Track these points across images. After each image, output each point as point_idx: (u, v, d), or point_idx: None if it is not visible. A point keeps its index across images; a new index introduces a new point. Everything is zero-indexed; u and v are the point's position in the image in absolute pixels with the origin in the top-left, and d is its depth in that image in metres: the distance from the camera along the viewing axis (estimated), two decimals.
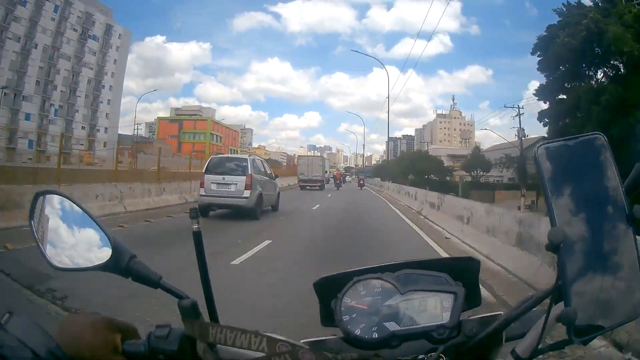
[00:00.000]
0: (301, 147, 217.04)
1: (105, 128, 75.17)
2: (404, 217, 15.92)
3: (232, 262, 6.95)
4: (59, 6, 65.35)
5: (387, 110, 41.58)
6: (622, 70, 27.59)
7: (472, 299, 0.88)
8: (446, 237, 10.30)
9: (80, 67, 70.90)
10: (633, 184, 0.68)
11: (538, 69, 31.46)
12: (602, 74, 29.41)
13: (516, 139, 45.47)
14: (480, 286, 0.97)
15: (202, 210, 12.92)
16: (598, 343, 3.46)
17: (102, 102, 75.71)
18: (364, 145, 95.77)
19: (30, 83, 62.63)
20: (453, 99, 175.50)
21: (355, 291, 0.84)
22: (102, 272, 0.72)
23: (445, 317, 0.81)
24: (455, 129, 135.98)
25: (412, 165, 55.21)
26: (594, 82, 29.31)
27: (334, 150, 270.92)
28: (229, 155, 16.80)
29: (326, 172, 47.99)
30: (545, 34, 30.61)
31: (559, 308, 0.60)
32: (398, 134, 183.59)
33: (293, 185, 40.01)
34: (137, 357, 0.69)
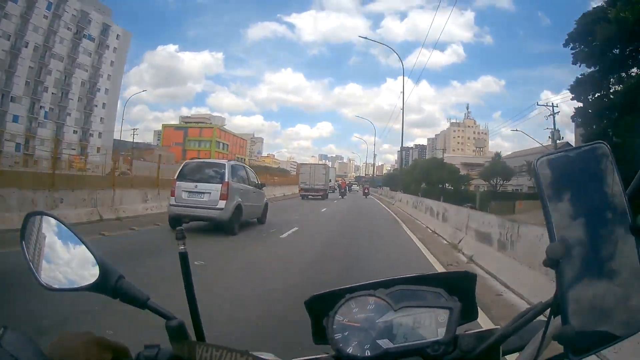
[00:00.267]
0: (312, 156, 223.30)
1: (100, 133, 72.29)
2: (432, 259, 8.89)
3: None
4: (52, 3, 62.97)
5: (402, 106, 37.69)
6: None
7: (468, 313, 0.88)
8: None
9: (74, 68, 68.48)
10: (635, 190, 0.67)
11: (573, 62, 27.04)
12: None
13: (548, 142, 42.07)
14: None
15: (173, 222, 11.43)
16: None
17: (96, 105, 73.00)
18: (374, 154, 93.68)
19: (20, 84, 60.34)
20: (467, 107, 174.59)
21: (347, 308, 0.84)
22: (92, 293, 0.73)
23: (440, 333, 0.81)
24: (469, 138, 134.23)
25: (426, 173, 51.43)
26: None
27: (345, 160, 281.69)
28: (206, 159, 14.73)
29: (330, 180, 46.88)
30: (583, 20, 26.03)
31: (557, 321, 0.62)
32: (410, 144, 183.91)
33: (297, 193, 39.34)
34: None
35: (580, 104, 27.80)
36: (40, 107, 63.77)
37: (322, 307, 0.86)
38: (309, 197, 36.56)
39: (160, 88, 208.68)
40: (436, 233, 12.93)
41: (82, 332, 0.69)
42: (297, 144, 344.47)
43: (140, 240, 9.87)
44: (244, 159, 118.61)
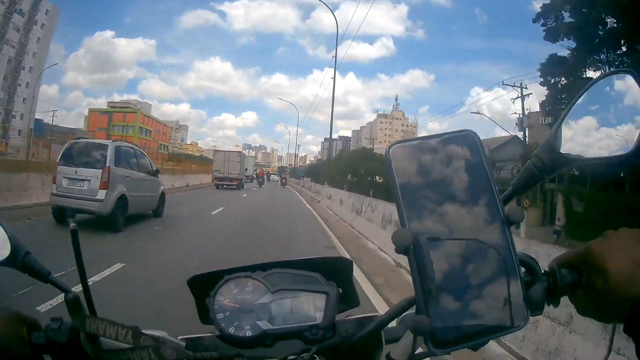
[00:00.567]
0: (236, 145, 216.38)
1: (21, 114, 67.83)
2: None
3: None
4: None
5: (334, 66, 35.82)
6: None
7: (348, 299, 0.91)
8: None
9: (1, 44, 64.11)
10: (520, 185, 0.68)
11: (545, 37, 24.96)
12: None
13: (514, 130, 37.06)
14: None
15: (56, 214, 10.20)
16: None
17: (20, 84, 68.82)
18: (297, 145, 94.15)
19: None
20: (396, 99, 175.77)
21: (227, 289, 0.86)
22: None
23: (319, 317, 0.83)
24: (397, 130, 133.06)
25: (353, 165, 49.20)
26: None
27: (268, 150, 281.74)
28: (91, 140, 12.86)
29: (246, 169, 46.87)
30: None
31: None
32: (335, 136, 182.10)
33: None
34: (39, 348, 0.74)
35: (546, 89, 26.04)
36: None
37: (204, 288, 0.88)
38: (224, 186, 35.40)
39: (96, 74, 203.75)
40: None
41: (1, 306, 0.76)
42: (222, 133, 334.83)
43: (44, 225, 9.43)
44: (167, 147, 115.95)
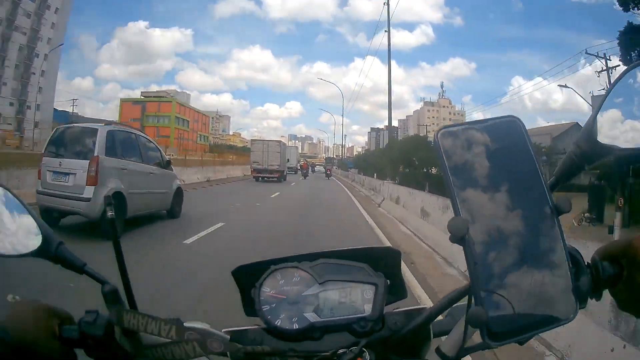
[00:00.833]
0: (282, 136, 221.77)
1: (38, 105, 64.46)
2: None
3: None
4: None
5: (388, 61, 32.27)
6: None
7: (396, 291, 0.88)
8: None
9: (11, 31, 61.92)
10: (563, 175, 0.69)
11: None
12: None
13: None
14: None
15: (45, 217, 7.58)
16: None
17: (34, 73, 66.27)
18: (344, 135, 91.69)
19: None
20: (442, 86, 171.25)
21: (273, 280, 0.84)
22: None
23: (367, 309, 0.81)
24: (444, 119, 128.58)
25: (406, 154, 41.98)
26: None
27: (315, 141, 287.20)
28: (80, 124, 10.05)
29: (288, 160, 45.16)
30: None
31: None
32: (380, 126, 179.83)
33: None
34: (71, 342, 0.73)
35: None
36: None
37: (249, 278, 0.85)
38: (264, 178, 33.64)
39: (131, 65, 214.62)
40: None
41: (30, 300, 0.74)
42: (266, 124, 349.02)
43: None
44: (207, 137, 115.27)
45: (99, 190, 7.68)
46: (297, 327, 0.78)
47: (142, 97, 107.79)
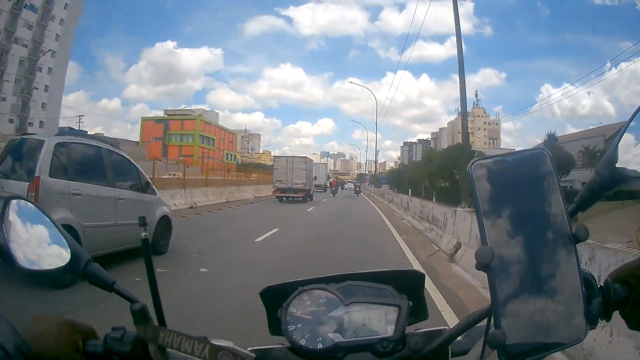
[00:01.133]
0: (314, 154, 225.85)
1: (41, 121, 60.87)
2: None
3: None
4: None
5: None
6: None
7: (418, 312, 0.92)
8: None
9: (10, 43, 57.92)
10: (583, 201, 0.71)
11: None
12: None
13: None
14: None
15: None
16: None
17: (36, 88, 62.41)
18: (376, 150, 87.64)
19: None
20: (476, 95, 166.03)
21: (300, 301, 0.88)
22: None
23: (389, 330, 0.84)
24: (479, 128, 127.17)
25: (448, 167, 38.15)
26: None
27: (347, 157, 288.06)
28: (33, 135, 7.87)
29: (315, 177, 41.06)
30: None
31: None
32: (413, 140, 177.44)
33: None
34: (96, 357, 0.75)
35: None
36: None
37: (276, 299, 0.89)
38: (289, 198, 31.34)
39: (160, 86, 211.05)
40: None
41: (53, 315, 0.75)
42: (298, 142, 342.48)
43: None
44: (235, 156, 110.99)
45: None
46: (321, 347, 0.81)
47: (165, 116, 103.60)
